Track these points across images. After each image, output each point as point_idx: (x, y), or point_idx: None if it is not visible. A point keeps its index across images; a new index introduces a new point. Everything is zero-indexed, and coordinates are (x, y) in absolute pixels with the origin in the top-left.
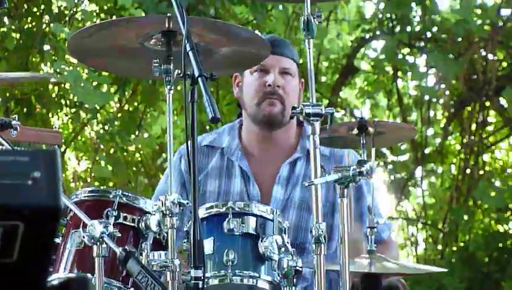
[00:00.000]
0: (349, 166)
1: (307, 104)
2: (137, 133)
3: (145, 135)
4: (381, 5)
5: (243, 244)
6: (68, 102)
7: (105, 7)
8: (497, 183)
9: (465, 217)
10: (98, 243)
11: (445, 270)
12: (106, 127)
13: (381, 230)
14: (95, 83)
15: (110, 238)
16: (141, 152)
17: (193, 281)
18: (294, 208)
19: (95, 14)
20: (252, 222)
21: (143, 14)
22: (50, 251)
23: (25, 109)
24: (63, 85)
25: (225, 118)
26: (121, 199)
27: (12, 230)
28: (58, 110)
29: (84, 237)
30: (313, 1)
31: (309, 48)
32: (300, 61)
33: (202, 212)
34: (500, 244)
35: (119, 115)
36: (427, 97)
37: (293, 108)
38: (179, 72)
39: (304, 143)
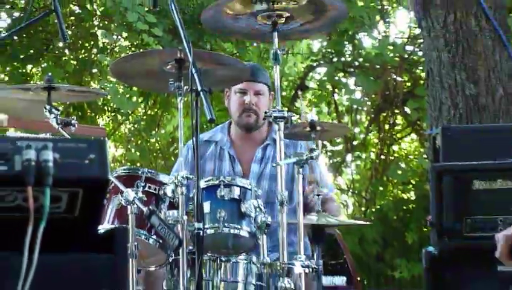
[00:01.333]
0: (303, 152)
1: (275, 110)
2: (156, 130)
3: (162, 131)
4: (324, 43)
5: (230, 206)
6: (109, 108)
7: (135, 43)
8: (403, 165)
9: (381, 188)
10: (131, 204)
11: (367, 223)
12: (135, 126)
13: (330, 190)
14: (127, 95)
15: (139, 201)
16: (159, 143)
17: (196, 231)
18: (266, 180)
19: (127, 48)
20: (236, 190)
21: (161, 48)
22: (100, 209)
23: (79, 113)
24: (106, 97)
25: (217, 121)
26: (146, 174)
27: (75, 194)
28: (103, 114)
29: (121, 200)
30: (279, 40)
31: (276, 72)
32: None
33: (202, 184)
34: (404, 207)
35: (144, 117)
36: (355, 106)
37: (265, 113)
38: (187, 87)
39: (272, 135)
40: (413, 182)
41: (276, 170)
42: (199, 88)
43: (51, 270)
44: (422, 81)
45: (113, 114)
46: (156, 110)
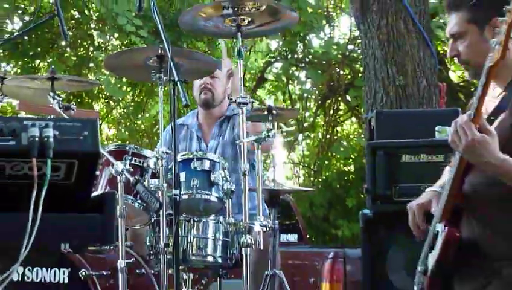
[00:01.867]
0: (262, 132)
1: (239, 97)
2: (142, 114)
3: (146, 115)
4: (280, 43)
5: (201, 176)
6: (103, 96)
7: (125, 42)
8: (344, 143)
9: (326, 162)
10: (120, 175)
11: (314, 190)
12: (125, 110)
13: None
14: (118, 85)
15: (127, 171)
16: (144, 125)
17: (173, 196)
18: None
19: (118, 46)
20: (207, 163)
21: (145, 46)
22: (93, 177)
23: (78, 100)
24: (100, 86)
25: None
26: (133, 150)
27: (71, 165)
28: (98, 100)
29: (112, 171)
30: (242, 38)
31: (239, 65)
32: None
33: (178, 158)
34: (345, 178)
35: (132, 103)
36: (305, 95)
37: (230, 99)
38: (167, 78)
39: (228, 113)
40: (353, 157)
41: (237, 147)
42: (176, 79)
43: (51, 227)
44: (360, 74)
45: (106, 101)
46: (141, 97)
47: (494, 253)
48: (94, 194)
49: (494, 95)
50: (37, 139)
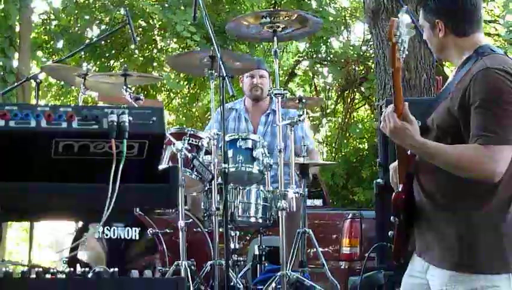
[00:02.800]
0: (293, 117)
1: (275, 89)
2: (196, 103)
3: (200, 104)
4: (307, 45)
5: (245, 152)
6: (165, 88)
7: (182, 45)
8: (360, 126)
9: (345, 141)
10: (180, 152)
11: (335, 163)
12: (182, 100)
13: (311, 143)
14: (177, 80)
15: (185, 149)
16: (198, 112)
17: (223, 169)
18: (268, 136)
19: (177, 49)
20: (250, 142)
21: (199, 49)
22: (159, 153)
23: (145, 92)
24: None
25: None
26: (190, 132)
27: (143, 144)
28: (160, 92)
29: (173, 149)
30: (278, 41)
31: (276, 64)
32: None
33: (227, 138)
34: (360, 153)
35: (188, 94)
36: (328, 87)
37: (269, 90)
38: (217, 74)
39: (272, 106)
40: (366, 137)
41: (275, 130)
42: (224, 74)
43: (126, 194)
44: (372, 70)
45: (167, 92)
46: (195, 89)
47: (433, 213)
48: (160, 167)
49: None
50: (115, 123)
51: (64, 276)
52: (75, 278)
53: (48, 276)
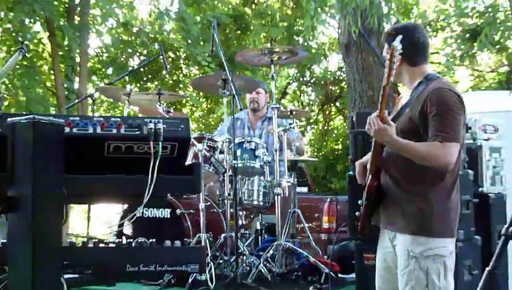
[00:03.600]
0: (286, 125)
1: (272, 104)
2: (212, 115)
3: (215, 115)
4: (295, 70)
5: (250, 152)
6: (188, 104)
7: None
8: (335, 131)
9: (324, 143)
10: (200, 151)
11: (317, 160)
12: (201, 113)
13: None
14: (197, 98)
15: (205, 150)
16: (213, 121)
17: (233, 164)
18: (264, 137)
19: (198, 74)
20: (253, 144)
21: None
22: (186, 153)
23: (173, 106)
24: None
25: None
26: (208, 136)
27: (174, 145)
28: (185, 106)
29: (195, 149)
30: (274, 67)
31: (272, 85)
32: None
33: (236, 141)
34: (336, 153)
35: (206, 108)
36: (311, 102)
37: (268, 104)
38: (228, 92)
39: (266, 115)
40: (340, 140)
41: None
42: (234, 93)
43: (161, 184)
44: (344, 90)
45: (190, 107)
46: (212, 105)
47: (398, 194)
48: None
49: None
50: (153, 130)
51: (114, 245)
52: (123, 246)
53: (102, 245)
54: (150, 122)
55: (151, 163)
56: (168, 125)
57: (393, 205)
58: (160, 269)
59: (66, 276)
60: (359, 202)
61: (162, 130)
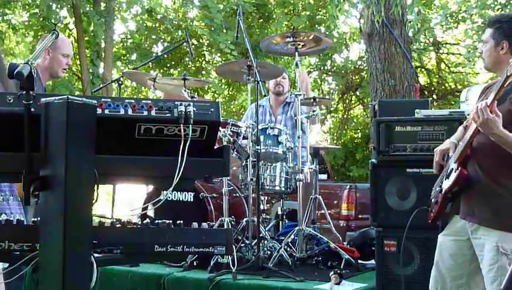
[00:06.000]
0: (308, 112)
1: (296, 91)
2: (233, 102)
3: (236, 102)
4: (316, 60)
5: (273, 138)
6: (210, 90)
7: (224, 59)
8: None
9: (344, 131)
10: (224, 137)
11: (337, 147)
12: (223, 99)
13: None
14: (220, 84)
15: (228, 135)
16: (235, 108)
17: (256, 149)
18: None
19: (221, 60)
20: (276, 130)
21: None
22: (215, 136)
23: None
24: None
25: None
26: (231, 122)
27: (203, 128)
28: (208, 92)
29: (219, 134)
30: (300, 54)
31: (296, 72)
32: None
33: (259, 127)
34: (355, 141)
35: (227, 96)
36: (332, 91)
37: (290, 91)
38: (253, 79)
39: (288, 100)
40: (360, 128)
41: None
42: (258, 79)
43: (191, 167)
44: (365, 79)
45: (212, 93)
46: (233, 92)
47: (487, 186)
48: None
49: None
50: (183, 112)
51: (142, 225)
52: (151, 227)
53: (130, 226)
54: (181, 104)
55: (181, 145)
56: (198, 108)
57: (478, 196)
58: (188, 250)
59: (95, 255)
60: (437, 189)
61: (192, 113)
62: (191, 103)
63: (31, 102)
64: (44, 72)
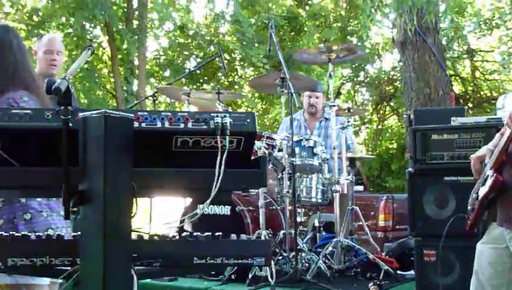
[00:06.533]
0: (344, 123)
1: (330, 102)
2: (266, 115)
3: (269, 116)
4: (349, 71)
5: (308, 149)
6: (243, 104)
7: (256, 73)
8: (389, 131)
9: (378, 143)
10: (259, 149)
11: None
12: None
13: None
14: (252, 98)
15: (264, 147)
16: (268, 122)
17: (291, 162)
18: (322, 137)
19: (253, 75)
20: (311, 142)
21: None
22: (252, 147)
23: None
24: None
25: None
26: (267, 134)
27: (240, 139)
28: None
29: (255, 147)
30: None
31: (330, 83)
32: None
33: (294, 139)
34: (390, 152)
35: (260, 110)
36: (365, 102)
37: (324, 103)
38: (286, 91)
39: (324, 115)
40: (394, 139)
41: (327, 132)
42: (292, 91)
43: (229, 177)
44: (398, 89)
45: (246, 108)
46: (266, 106)
47: None
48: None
49: None
50: (219, 124)
51: (181, 238)
52: (189, 240)
53: (167, 238)
54: (217, 116)
55: (218, 157)
56: (234, 119)
57: (507, 208)
58: (227, 261)
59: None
60: (473, 195)
61: (228, 124)
62: (227, 114)
63: (69, 117)
64: (40, 78)
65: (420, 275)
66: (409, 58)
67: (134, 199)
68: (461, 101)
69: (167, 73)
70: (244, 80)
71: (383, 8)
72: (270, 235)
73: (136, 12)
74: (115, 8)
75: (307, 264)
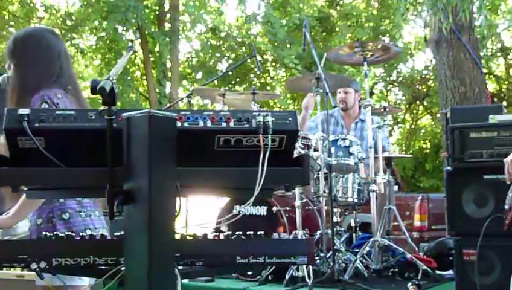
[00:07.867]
0: (378, 122)
1: (365, 100)
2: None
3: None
4: (382, 71)
5: (344, 149)
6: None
7: (289, 74)
8: (422, 130)
9: (412, 142)
10: (295, 149)
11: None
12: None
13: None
14: (285, 99)
15: (299, 147)
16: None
17: (327, 161)
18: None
19: (285, 76)
20: (347, 141)
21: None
22: (294, 146)
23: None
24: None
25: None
26: (302, 134)
27: (282, 138)
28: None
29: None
30: (369, 64)
31: (366, 82)
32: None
33: (330, 138)
34: (424, 151)
35: (293, 108)
36: (398, 101)
37: (360, 102)
38: (321, 90)
39: (360, 116)
40: (428, 139)
41: (364, 134)
42: (327, 90)
43: (271, 175)
44: (431, 88)
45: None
46: (298, 106)
47: None
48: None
49: None
50: (261, 123)
51: (223, 237)
52: (230, 239)
53: (210, 237)
54: (259, 115)
55: (261, 156)
56: (276, 118)
57: None
58: (270, 260)
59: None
60: (510, 195)
61: (270, 123)
62: (269, 113)
63: (113, 117)
64: None
65: (460, 274)
66: (443, 57)
67: (178, 198)
68: (496, 99)
69: (199, 75)
70: (277, 81)
71: (417, 6)
72: (307, 235)
73: (168, 15)
74: (147, 11)
75: (344, 265)
